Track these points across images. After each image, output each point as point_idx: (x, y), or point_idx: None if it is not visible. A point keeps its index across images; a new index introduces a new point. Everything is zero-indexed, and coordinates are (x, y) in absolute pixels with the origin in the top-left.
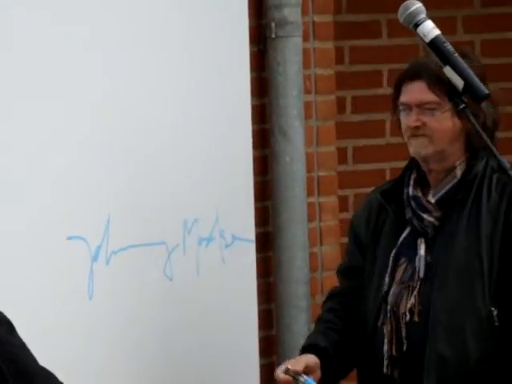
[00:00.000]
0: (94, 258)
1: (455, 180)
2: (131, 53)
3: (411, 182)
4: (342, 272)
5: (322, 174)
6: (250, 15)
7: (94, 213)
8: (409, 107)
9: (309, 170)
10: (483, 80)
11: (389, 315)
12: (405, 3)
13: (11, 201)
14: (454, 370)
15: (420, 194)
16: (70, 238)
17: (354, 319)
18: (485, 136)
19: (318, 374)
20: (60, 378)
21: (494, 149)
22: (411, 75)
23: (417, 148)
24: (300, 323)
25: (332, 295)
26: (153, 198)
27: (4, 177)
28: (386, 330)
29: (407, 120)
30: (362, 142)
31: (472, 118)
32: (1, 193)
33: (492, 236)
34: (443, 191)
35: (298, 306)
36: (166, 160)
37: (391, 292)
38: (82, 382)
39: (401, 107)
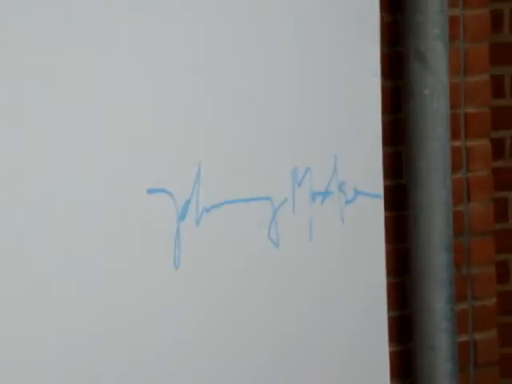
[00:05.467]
0: (182, 217)
1: None
2: None
3: None
4: None
5: (470, 110)
6: None
7: (182, 160)
8: None
9: (454, 105)
10: None
11: None
12: None
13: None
14: None
15: None
16: (151, 192)
17: None
18: None
19: None
20: (139, 360)
21: None
22: None
23: None
24: (441, 300)
25: None
26: (254, 140)
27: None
28: None
29: None
30: None
31: None
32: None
33: None
34: None
35: (438, 278)
36: (272, 94)
37: None
38: (167, 364)
39: None
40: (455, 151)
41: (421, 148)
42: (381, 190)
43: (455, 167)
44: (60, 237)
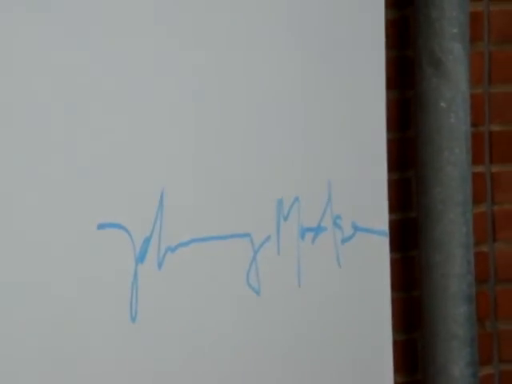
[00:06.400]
0: (140, 258)
1: None
2: None
3: None
4: None
5: (496, 128)
6: None
7: (140, 187)
8: None
9: (476, 122)
10: None
11: None
12: None
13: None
14: None
15: None
16: (101, 227)
17: None
18: None
19: None
20: None
21: None
22: None
23: None
24: (461, 363)
25: None
26: (229, 163)
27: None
28: None
29: None
30: None
31: None
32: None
33: None
34: None
35: (456, 335)
36: (252, 104)
37: None
38: None
39: None
40: (477, 178)
41: (435, 174)
42: (386, 226)
43: (477, 198)
44: None
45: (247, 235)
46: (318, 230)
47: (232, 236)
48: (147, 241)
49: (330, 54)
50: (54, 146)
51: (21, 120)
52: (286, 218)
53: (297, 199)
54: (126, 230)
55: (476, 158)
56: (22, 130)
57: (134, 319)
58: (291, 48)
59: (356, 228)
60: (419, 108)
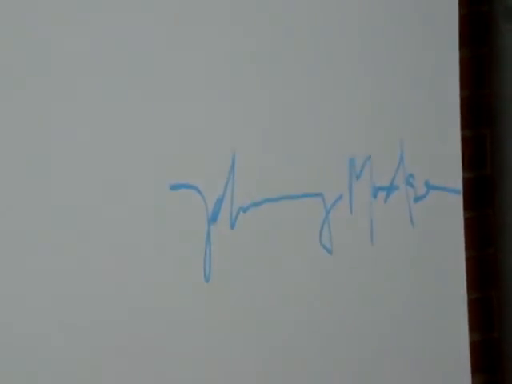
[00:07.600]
0: (213, 219)
1: None
2: None
3: None
4: None
5: None
6: None
7: (213, 148)
8: None
9: None
10: None
11: None
12: None
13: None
14: None
15: None
16: (174, 188)
17: None
18: None
19: None
20: None
21: None
22: None
23: None
24: None
25: None
26: (301, 123)
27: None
28: None
29: None
30: None
31: None
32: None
33: None
34: None
35: None
36: (322, 65)
37: None
38: None
39: None
40: None
41: (511, 131)
42: (459, 184)
43: None
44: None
45: (319, 195)
46: (390, 188)
47: (304, 196)
48: (220, 201)
49: (403, 12)
50: (130, 110)
51: (95, 94)
52: (358, 177)
53: (369, 158)
54: (199, 191)
55: None
56: (96, 103)
57: (207, 279)
58: (367, 9)
59: (429, 186)
60: (494, 65)
